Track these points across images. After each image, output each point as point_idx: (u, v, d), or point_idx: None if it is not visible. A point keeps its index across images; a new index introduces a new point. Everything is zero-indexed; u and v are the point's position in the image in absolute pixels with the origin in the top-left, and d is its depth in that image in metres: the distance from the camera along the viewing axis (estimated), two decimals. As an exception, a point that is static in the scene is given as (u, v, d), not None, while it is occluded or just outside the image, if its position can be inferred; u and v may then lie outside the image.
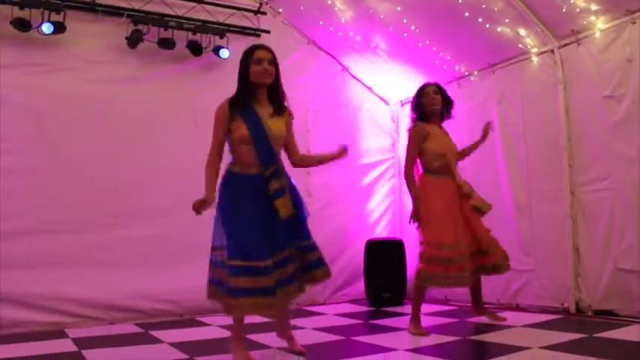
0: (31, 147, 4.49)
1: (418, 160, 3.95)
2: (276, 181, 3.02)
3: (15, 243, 4.27)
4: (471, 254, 3.86)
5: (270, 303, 2.93)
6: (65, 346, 3.71)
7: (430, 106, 3.94)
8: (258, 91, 3.09)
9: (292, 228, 3.09)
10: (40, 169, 4.49)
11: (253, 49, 3.10)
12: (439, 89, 4.01)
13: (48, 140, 4.56)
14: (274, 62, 3.08)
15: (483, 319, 4.14)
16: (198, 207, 2.91)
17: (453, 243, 3.75)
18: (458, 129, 4.39)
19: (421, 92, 4.01)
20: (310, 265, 3.15)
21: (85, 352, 3.46)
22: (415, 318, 3.85)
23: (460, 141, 4.17)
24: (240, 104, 3.05)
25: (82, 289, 4.47)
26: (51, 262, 4.39)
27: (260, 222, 2.99)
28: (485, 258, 3.90)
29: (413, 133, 3.95)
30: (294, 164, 3.33)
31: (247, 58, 3.07)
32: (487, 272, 3.96)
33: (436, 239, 3.77)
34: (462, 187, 3.89)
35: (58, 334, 4.12)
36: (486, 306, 4.24)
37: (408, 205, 4.37)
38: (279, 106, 3.14)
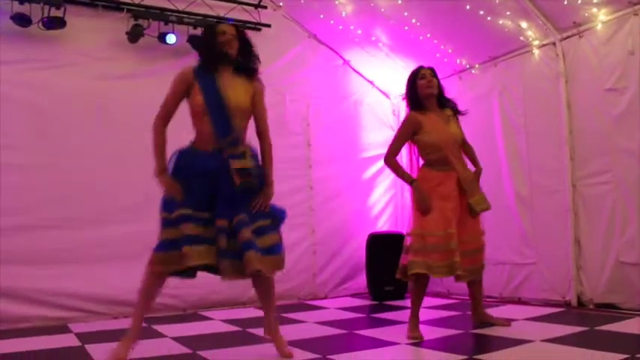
0: (31, 142, 4.48)
1: (417, 152, 3.74)
2: (232, 149, 2.95)
3: (16, 238, 4.27)
4: (462, 252, 3.51)
5: (170, 257, 2.95)
6: (68, 340, 3.72)
7: (426, 89, 3.61)
8: (222, 64, 3.05)
9: (241, 201, 2.92)
10: (40, 165, 4.48)
11: (218, 23, 3.15)
12: (434, 74, 3.68)
13: (48, 136, 4.55)
14: (239, 36, 3.06)
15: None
16: (171, 192, 2.97)
17: (441, 230, 3.45)
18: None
19: (417, 74, 3.67)
20: (250, 245, 2.83)
21: (88, 347, 3.47)
22: (412, 317, 3.56)
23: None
24: (202, 73, 3.02)
25: (84, 284, 4.48)
26: (53, 257, 4.40)
27: (199, 192, 2.93)
28: (466, 260, 3.54)
29: (404, 122, 3.69)
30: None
31: (211, 30, 3.09)
32: (466, 277, 3.59)
33: (422, 228, 3.49)
34: (461, 182, 3.60)
35: (61, 328, 4.13)
36: (489, 300, 4.23)
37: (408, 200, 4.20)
38: (248, 75, 3.08)
